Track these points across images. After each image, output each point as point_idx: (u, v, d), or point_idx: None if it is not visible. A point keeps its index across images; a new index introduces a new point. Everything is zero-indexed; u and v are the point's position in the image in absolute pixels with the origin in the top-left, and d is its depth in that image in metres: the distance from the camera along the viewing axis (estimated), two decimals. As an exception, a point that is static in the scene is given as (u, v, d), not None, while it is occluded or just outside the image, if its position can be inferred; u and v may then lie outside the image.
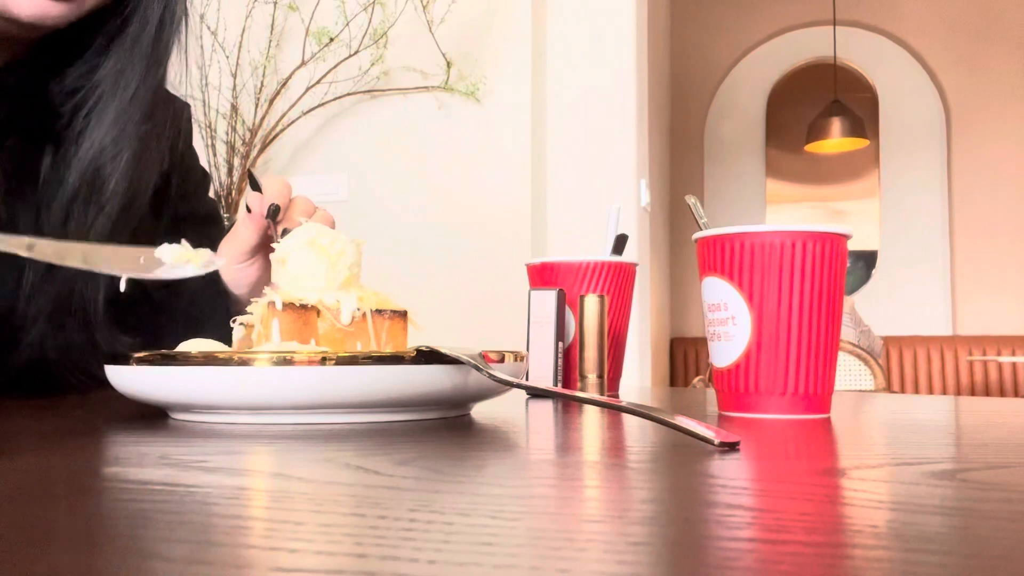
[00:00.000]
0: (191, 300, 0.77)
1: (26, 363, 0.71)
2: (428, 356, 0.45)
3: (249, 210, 0.68)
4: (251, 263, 0.72)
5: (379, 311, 0.53)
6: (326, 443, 0.38)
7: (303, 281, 0.53)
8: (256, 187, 0.68)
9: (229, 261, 0.72)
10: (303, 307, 0.50)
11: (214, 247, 0.90)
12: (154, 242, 0.74)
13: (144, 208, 0.76)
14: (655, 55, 3.32)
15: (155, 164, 0.78)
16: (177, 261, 0.53)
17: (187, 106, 0.89)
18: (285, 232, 0.62)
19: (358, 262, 0.55)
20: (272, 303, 0.50)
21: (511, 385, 0.46)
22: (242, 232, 0.70)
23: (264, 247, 0.70)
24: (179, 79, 0.79)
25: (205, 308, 0.76)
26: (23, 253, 0.48)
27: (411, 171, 2.30)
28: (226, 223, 2.26)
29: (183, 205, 0.87)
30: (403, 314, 0.54)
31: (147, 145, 0.75)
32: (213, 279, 0.74)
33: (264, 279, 0.71)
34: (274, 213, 0.66)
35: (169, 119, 0.82)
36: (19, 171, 0.71)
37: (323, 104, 2.27)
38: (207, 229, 0.90)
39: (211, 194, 0.95)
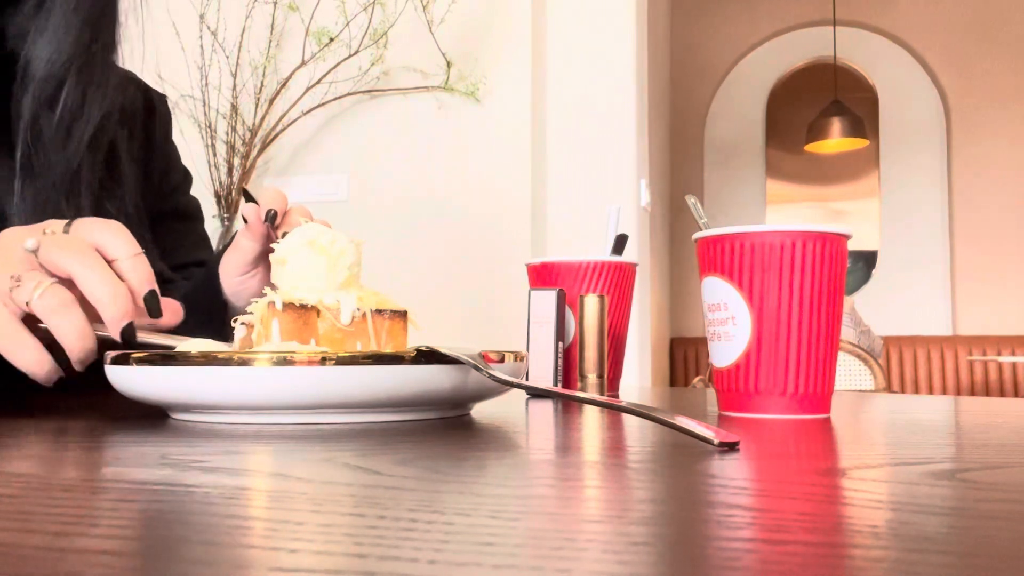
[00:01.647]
0: (189, 305, 0.77)
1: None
2: (428, 356, 0.45)
3: (246, 221, 0.68)
4: (253, 275, 0.71)
5: (379, 311, 0.53)
6: (326, 443, 0.38)
7: (303, 281, 0.53)
8: (251, 200, 0.68)
9: (232, 273, 0.71)
10: (303, 307, 0.50)
11: (196, 243, 0.91)
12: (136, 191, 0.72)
13: (112, 134, 0.75)
14: (655, 55, 3.32)
15: (112, 88, 0.76)
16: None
17: (164, 97, 0.90)
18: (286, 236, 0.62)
19: (358, 262, 0.55)
20: (272, 303, 0.50)
21: (511, 385, 0.46)
22: (243, 243, 0.69)
23: (265, 258, 0.70)
24: (132, 52, 0.78)
25: (202, 314, 0.76)
26: None
27: (411, 171, 2.30)
28: (225, 223, 2.25)
29: (167, 201, 0.87)
30: (403, 314, 0.54)
31: (98, 60, 0.74)
32: (214, 286, 0.73)
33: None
34: (272, 218, 0.66)
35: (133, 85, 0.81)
36: None
37: (323, 104, 2.27)
38: (190, 225, 0.91)
39: (193, 192, 0.96)
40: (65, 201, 0.71)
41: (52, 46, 0.70)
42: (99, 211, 0.74)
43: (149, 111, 0.87)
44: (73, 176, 0.71)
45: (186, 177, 0.94)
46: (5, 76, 0.71)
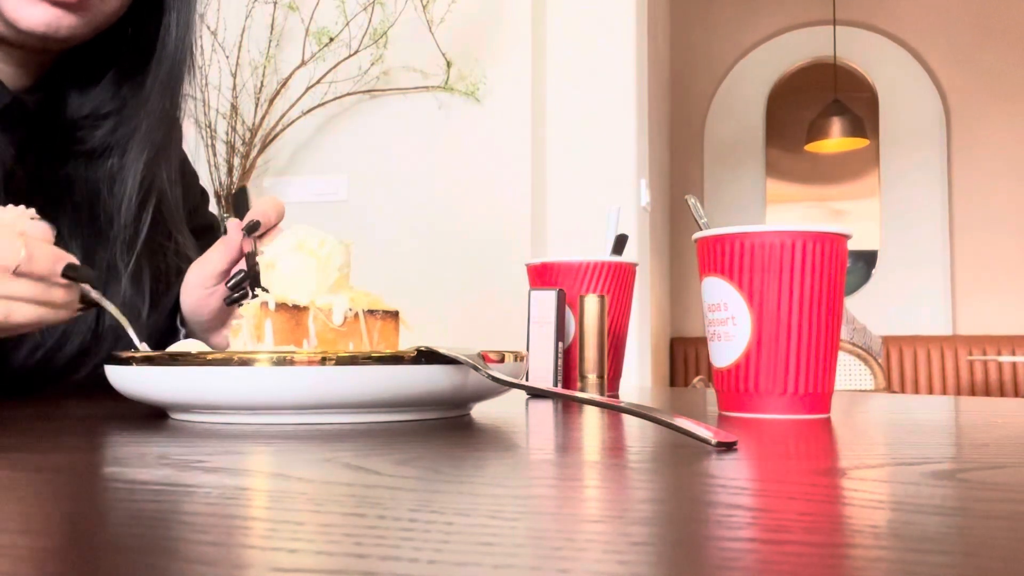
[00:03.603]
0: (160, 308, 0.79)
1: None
2: (428, 356, 0.45)
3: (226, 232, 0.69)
4: (215, 290, 0.71)
5: (371, 311, 0.53)
6: (326, 443, 0.38)
7: (293, 284, 0.53)
8: (240, 211, 0.69)
9: (195, 284, 0.71)
10: (296, 307, 0.51)
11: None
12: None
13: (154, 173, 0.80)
14: (655, 55, 3.32)
15: (169, 175, 0.82)
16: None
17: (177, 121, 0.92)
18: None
19: (347, 263, 0.55)
20: (265, 303, 0.50)
21: (511, 385, 0.46)
22: (212, 256, 0.69)
23: (227, 276, 0.71)
24: (186, 99, 0.82)
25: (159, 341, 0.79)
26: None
27: (411, 171, 2.30)
28: (224, 223, 2.27)
29: (192, 219, 0.91)
30: (395, 314, 0.54)
31: (166, 155, 0.80)
32: (171, 318, 0.78)
33: (225, 313, 0.72)
34: (251, 228, 0.66)
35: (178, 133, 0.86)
36: (52, 182, 0.74)
37: (323, 104, 2.27)
38: (209, 236, 0.94)
39: (211, 204, 0.99)
40: (124, 254, 0.75)
41: (142, 156, 0.76)
42: (152, 248, 0.78)
43: (176, 139, 0.89)
44: (133, 234, 0.76)
45: (205, 194, 0.97)
46: (67, 154, 0.76)
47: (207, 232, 0.92)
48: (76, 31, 0.68)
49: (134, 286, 0.75)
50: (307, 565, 0.18)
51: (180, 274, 0.78)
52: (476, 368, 0.45)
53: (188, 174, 0.93)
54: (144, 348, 0.57)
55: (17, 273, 0.54)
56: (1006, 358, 3.78)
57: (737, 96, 4.68)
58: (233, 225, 0.67)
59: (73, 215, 0.74)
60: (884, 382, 2.81)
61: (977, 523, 0.22)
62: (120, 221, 0.75)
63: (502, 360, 0.49)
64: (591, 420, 0.50)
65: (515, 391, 0.48)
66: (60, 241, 0.72)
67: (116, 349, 0.73)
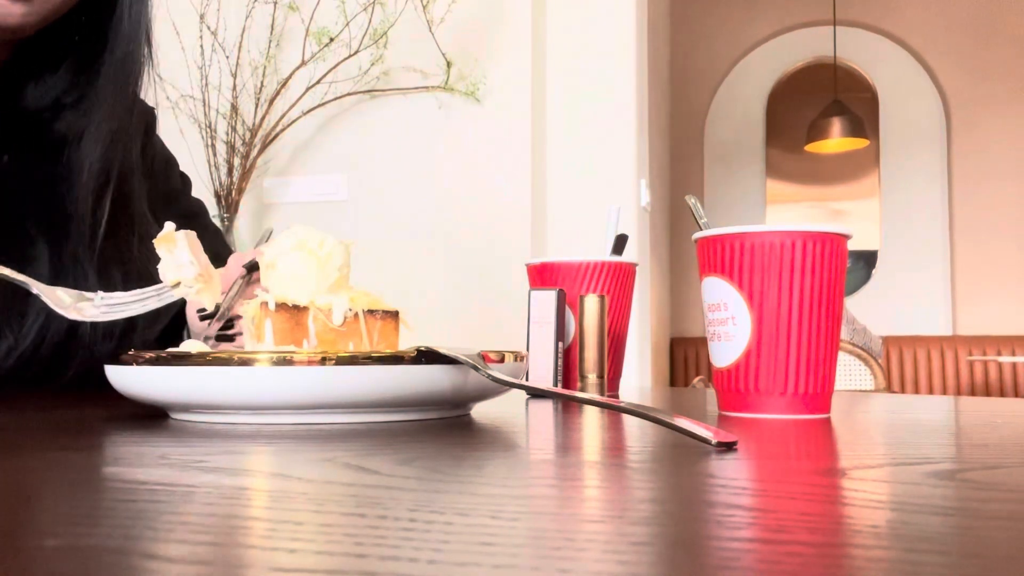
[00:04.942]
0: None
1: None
2: (427, 356, 0.45)
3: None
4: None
5: (371, 311, 0.53)
6: (326, 443, 0.38)
7: (293, 284, 0.53)
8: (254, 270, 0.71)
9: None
10: (295, 307, 0.51)
11: (206, 237, 0.95)
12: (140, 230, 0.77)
13: (114, 162, 0.79)
14: (655, 55, 3.32)
15: (129, 159, 0.82)
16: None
17: (151, 110, 0.91)
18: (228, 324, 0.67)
19: (347, 263, 0.55)
20: (265, 303, 0.50)
21: (511, 385, 0.46)
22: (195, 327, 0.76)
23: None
24: (145, 89, 0.81)
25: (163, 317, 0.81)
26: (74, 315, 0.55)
27: (411, 171, 2.30)
28: (225, 223, 2.26)
29: (173, 207, 0.90)
30: (395, 314, 0.54)
31: (124, 145, 0.80)
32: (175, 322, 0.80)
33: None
34: (251, 268, 0.69)
35: (139, 119, 0.85)
36: (15, 176, 0.73)
37: (323, 104, 2.27)
38: (196, 222, 0.95)
39: (194, 192, 0.99)
40: (87, 248, 0.74)
41: (95, 142, 0.76)
42: (117, 239, 0.78)
43: (146, 131, 0.89)
44: (92, 225, 0.75)
45: (185, 181, 0.96)
46: (31, 145, 0.76)
47: (190, 220, 0.92)
48: (25, 21, 0.68)
49: (102, 281, 0.74)
50: (307, 565, 0.18)
51: (149, 269, 0.79)
52: (476, 368, 0.45)
53: (164, 162, 0.92)
54: (36, 286, 0.56)
55: None
56: (1006, 358, 3.78)
57: (737, 96, 4.68)
58: (234, 259, 0.69)
59: (38, 209, 0.73)
60: (884, 382, 2.81)
61: (977, 523, 0.22)
62: (78, 212, 0.74)
63: (502, 360, 0.49)
64: (591, 420, 0.50)
65: (515, 391, 0.48)
66: (28, 236, 0.72)
67: (94, 349, 0.74)
